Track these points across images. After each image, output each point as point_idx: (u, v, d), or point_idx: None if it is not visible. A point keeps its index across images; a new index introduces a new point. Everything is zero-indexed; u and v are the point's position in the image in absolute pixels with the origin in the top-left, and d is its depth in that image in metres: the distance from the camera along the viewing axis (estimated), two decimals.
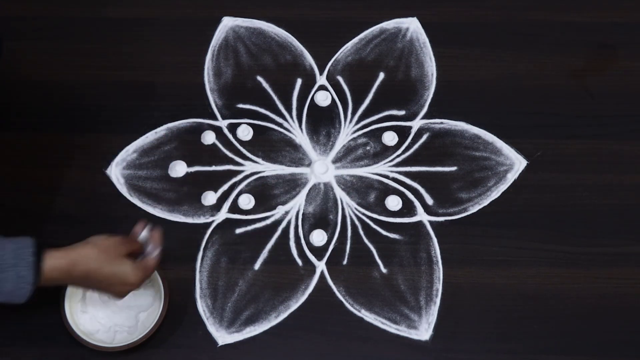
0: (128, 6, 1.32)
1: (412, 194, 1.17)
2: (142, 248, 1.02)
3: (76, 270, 0.94)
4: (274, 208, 1.16)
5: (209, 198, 1.17)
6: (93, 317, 1.06)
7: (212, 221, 1.15)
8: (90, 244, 0.97)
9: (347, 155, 1.21)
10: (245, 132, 1.22)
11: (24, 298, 0.91)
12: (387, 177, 1.19)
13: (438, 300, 1.10)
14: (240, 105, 1.24)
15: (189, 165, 1.19)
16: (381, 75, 1.27)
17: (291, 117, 1.23)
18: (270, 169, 1.19)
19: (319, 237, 1.14)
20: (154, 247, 1.02)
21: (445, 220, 1.15)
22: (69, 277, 0.95)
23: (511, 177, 1.18)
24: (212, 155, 1.20)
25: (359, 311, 1.09)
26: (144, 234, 1.03)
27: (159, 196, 1.17)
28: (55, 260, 0.92)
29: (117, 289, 0.99)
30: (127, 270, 0.98)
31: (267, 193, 1.17)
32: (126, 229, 1.14)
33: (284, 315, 1.09)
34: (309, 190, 1.18)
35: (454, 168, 1.19)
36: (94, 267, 0.95)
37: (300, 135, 1.22)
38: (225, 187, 1.18)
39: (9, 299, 0.91)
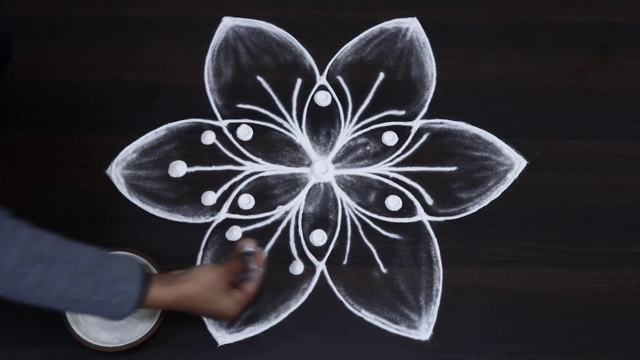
0: (128, 6, 1.32)
1: (412, 194, 1.17)
2: (246, 266, 1.02)
3: (179, 306, 0.97)
4: (274, 208, 1.16)
5: (209, 198, 1.17)
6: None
7: (212, 221, 1.15)
8: (194, 282, 0.97)
9: (347, 155, 1.21)
10: (245, 132, 1.22)
11: (125, 315, 0.92)
12: (387, 177, 1.19)
13: (438, 300, 1.10)
14: (240, 105, 1.24)
15: (189, 165, 1.19)
16: (381, 75, 1.27)
17: (291, 117, 1.23)
18: (270, 169, 1.20)
19: (319, 237, 1.14)
20: (257, 267, 1.02)
21: (445, 220, 1.15)
22: (171, 309, 0.98)
23: (511, 177, 1.18)
24: (212, 155, 1.20)
25: (359, 311, 1.09)
26: (249, 249, 1.02)
27: (159, 196, 1.17)
28: (161, 294, 0.94)
29: (216, 319, 1.07)
30: (227, 308, 1.00)
31: (267, 193, 1.17)
32: (126, 228, 1.14)
33: (284, 315, 1.09)
34: (309, 190, 1.18)
35: (454, 168, 1.19)
36: (197, 305, 0.98)
37: (300, 135, 1.22)
38: (225, 187, 1.18)
39: (110, 314, 0.92)
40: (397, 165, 1.20)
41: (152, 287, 0.93)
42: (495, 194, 1.17)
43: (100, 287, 0.89)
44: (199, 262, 1.12)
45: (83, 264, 0.89)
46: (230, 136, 1.22)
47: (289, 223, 1.15)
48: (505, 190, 1.18)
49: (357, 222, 1.15)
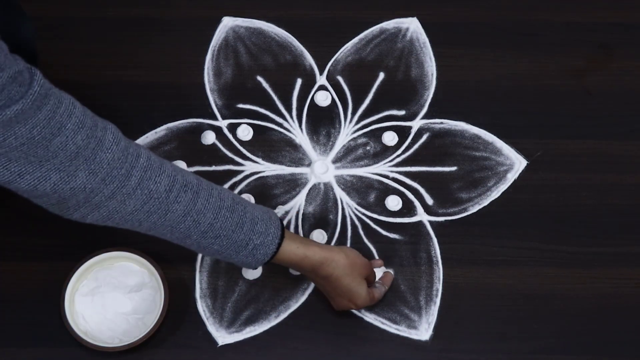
0: (128, 6, 1.32)
1: (412, 194, 1.17)
2: (374, 280, 1.07)
3: (320, 271, 0.96)
4: (274, 208, 1.16)
5: None
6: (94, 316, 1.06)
7: None
8: (343, 253, 0.98)
9: (347, 155, 1.21)
10: (245, 132, 1.22)
11: (262, 260, 0.92)
12: (387, 177, 1.19)
13: (438, 300, 1.10)
14: (240, 105, 1.24)
15: (189, 165, 1.19)
16: (381, 75, 1.27)
17: (291, 117, 1.23)
18: (270, 169, 1.20)
19: (319, 237, 1.14)
20: (383, 284, 1.07)
21: (445, 220, 1.15)
22: (302, 269, 0.98)
23: (511, 177, 1.18)
24: (212, 155, 1.20)
25: (359, 311, 1.09)
26: (377, 271, 1.09)
27: None
28: (297, 246, 0.94)
29: (342, 302, 1.02)
30: (361, 292, 1.01)
31: (267, 193, 1.17)
32: (126, 229, 1.13)
33: (284, 315, 1.09)
34: (309, 190, 1.18)
35: (454, 168, 1.19)
36: (337, 275, 0.97)
37: (300, 135, 1.22)
38: (226, 187, 1.18)
39: (247, 257, 0.91)
40: (397, 165, 1.20)
41: (286, 237, 0.94)
42: (495, 194, 1.17)
43: (242, 225, 0.89)
44: (198, 262, 1.12)
45: (226, 200, 0.89)
46: (230, 136, 1.22)
47: (289, 223, 1.15)
48: (505, 190, 1.18)
49: (357, 222, 1.15)
